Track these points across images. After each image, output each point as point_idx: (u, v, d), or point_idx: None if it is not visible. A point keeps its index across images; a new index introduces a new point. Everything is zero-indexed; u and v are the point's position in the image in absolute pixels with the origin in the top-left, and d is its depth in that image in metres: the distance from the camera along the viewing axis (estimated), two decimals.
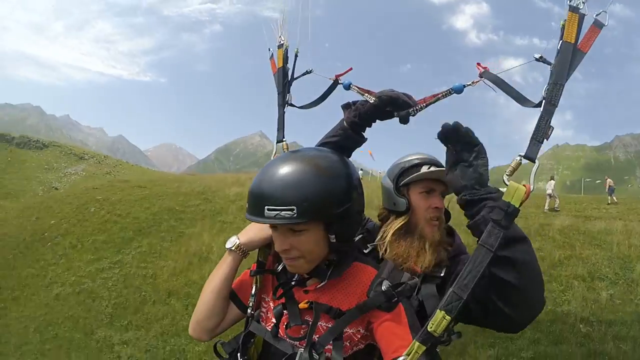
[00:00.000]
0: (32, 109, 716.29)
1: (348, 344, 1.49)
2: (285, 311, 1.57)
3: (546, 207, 18.77)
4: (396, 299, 1.43)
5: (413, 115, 1.58)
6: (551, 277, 9.51)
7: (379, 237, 2.03)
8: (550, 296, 8.57)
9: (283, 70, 2.16)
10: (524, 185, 1.26)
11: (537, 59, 1.43)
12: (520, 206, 1.25)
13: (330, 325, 1.48)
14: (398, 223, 2.00)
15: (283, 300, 1.59)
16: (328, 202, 1.37)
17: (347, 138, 1.77)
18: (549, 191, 19.99)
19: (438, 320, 1.23)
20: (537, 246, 10.75)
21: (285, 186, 1.34)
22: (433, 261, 1.84)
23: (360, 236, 2.05)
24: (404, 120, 1.59)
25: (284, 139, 2.03)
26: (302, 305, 1.52)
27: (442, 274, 1.81)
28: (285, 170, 1.39)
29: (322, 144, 1.79)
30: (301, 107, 2.17)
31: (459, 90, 1.52)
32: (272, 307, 1.64)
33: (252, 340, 1.70)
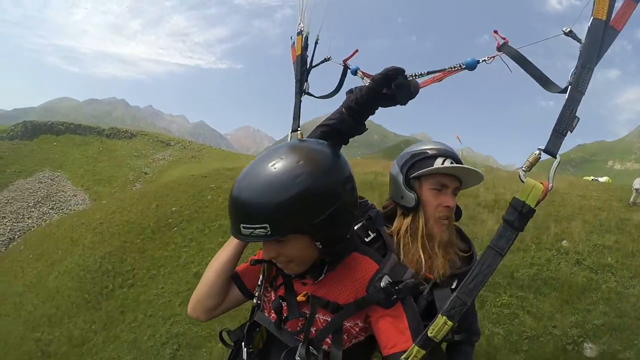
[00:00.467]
0: (117, 102, 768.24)
1: (346, 337, 1.49)
2: (284, 303, 1.57)
3: (630, 201, 18.41)
4: (395, 296, 1.41)
5: (411, 85, 1.40)
6: (623, 265, 9.70)
7: (392, 236, 1.94)
8: (620, 281, 8.96)
9: (302, 58, 2.14)
10: (541, 183, 1.17)
11: (566, 34, 1.29)
12: (536, 206, 1.17)
13: (328, 319, 1.48)
14: (406, 223, 1.91)
15: (282, 291, 1.60)
16: (304, 213, 1.27)
17: (342, 122, 1.59)
18: (637, 186, 19.46)
19: (439, 326, 1.20)
20: (614, 239, 10.93)
21: (257, 201, 1.27)
22: (447, 265, 1.82)
23: (360, 224, 1.95)
24: (402, 97, 1.42)
25: (299, 129, 1.96)
26: (300, 297, 1.51)
27: (453, 286, 1.78)
28: (259, 178, 1.30)
29: (319, 126, 1.66)
30: (319, 97, 2.15)
31: (471, 66, 1.45)
32: (273, 298, 1.64)
33: (257, 329, 1.67)
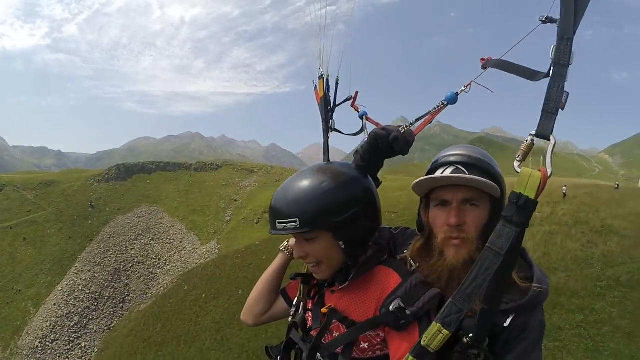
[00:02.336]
0: (192, 136, 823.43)
1: (367, 346, 1.58)
2: (308, 315, 1.82)
3: None
4: (404, 321, 1.42)
5: (406, 137, 1.59)
6: None
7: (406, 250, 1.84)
8: None
9: (325, 99, 2.26)
10: (538, 171, 1.09)
11: (543, 21, 1.25)
12: (537, 197, 1.08)
13: (343, 332, 1.61)
14: (417, 244, 1.78)
15: (312, 304, 1.82)
16: (327, 212, 1.51)
17: None
18: None
19: (432, 334, 1.15)
20: None
21: (290, 201, 1.56)
22: None
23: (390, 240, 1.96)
24: (400, 148, 1.61)
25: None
26: (323, 310, 1.68)
27: (505, 324, 1.42)
28: (292, 185, 1.60)
29: None
30: (347, 134, 2.25)
31: (452, 100, 1.53)
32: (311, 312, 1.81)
33: (296, 346, 1.77)
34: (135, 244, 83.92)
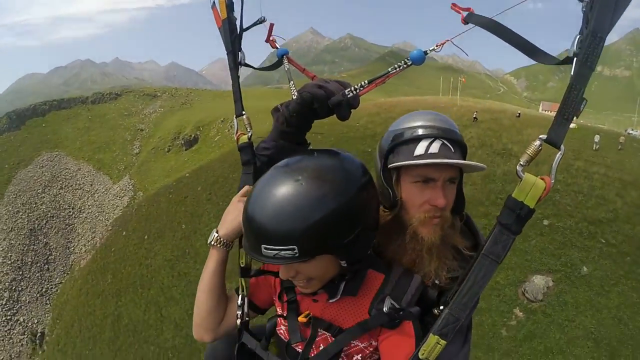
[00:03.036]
0: (82, 64, 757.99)
1: (360, 358, 1.42)
2: (284, 322, 1.55)
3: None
4: (399, 320, 1.32)
5: (351, 102, 1.40)
6: None
7: None
8: None
9: (229, 22, 1.77)
10: (542, 179, 1.04)
11: None
12: (536, 205, 1.05)
13: (329, 342, 1.41)
14: (385, 219, 1.56)
15: (284, 309, 1.56)
16: (333, 233, 1.22)
17: (281, 151, 1.55)
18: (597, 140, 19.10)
19: (431, 346, 1.12)
20: None
21: (282, 220, 1.19)
22: (442, 270, 1.48)
23: None
24: (342, 115, 1.42)
25: (244, 112, 1.77)
26: (301, 318, 1.44)
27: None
28: (281, 196, 1.22)
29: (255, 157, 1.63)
30: (259, 69, 1.93)
31: (417, 59, 1.31)
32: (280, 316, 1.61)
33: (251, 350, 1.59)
34: (44, 197, 76.57)
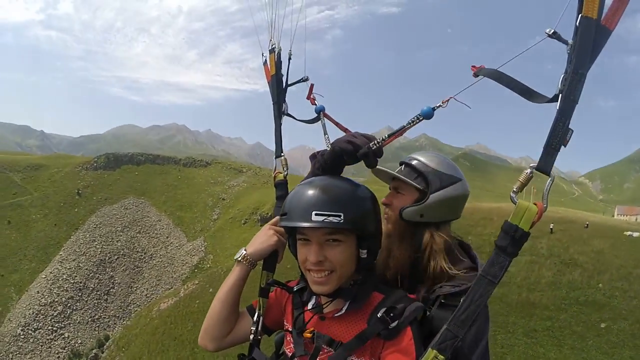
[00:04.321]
0: (178, 128, 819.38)
1: None
2: (289, 338, 1.67)
3: None
4: (392, 323, 1.39)
5: (376, 153, 1.55)
6: None
7: None
8: None
9: (277, 78, 2.08)
10: (534, 204, 1.12)
11: (550, 35, 1.16)
12: (530, 229, 1.12)
13: (330, 355, 1.50)
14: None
15: (290, 325, 1.69)
16: (368, 216, 1.47)
17: None
18: None
19: None
20: None
21: (333, 195, 1.43)
22: (390, 262, 1.78)
23: None
24: (370, 164, 1.58)
25: (282, 154, 2.04)
26: (306, 334, 1.56)
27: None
28: (329, 184, 1.49)
29: None
30: (301, 121, 2.12)
31: (427, 115, 1.43)
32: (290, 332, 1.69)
33: None
34: (121, 235, 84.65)
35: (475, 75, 1.39)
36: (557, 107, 1.11)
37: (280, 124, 2.07)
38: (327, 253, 1.46)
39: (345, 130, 1.97)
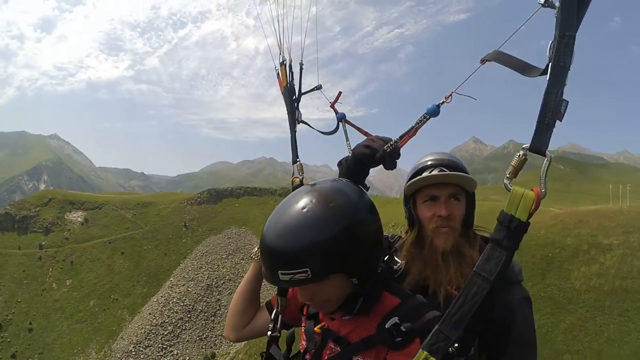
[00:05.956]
0: (267, 161, 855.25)
1: None
2: (303, 330, 1.72)
3: None
4: (400, 339, 1.36)
5: (392, 154, 1.53)
6: None
7: (404, 262, 1.94)
8: None
9: (289, 88, 2.20)
10: (531, 190, 1.04)
11: (542, 5, 1.11)
12: (529, 219, 1.04)
13: (337, 353, 1.54)
14: (410, 238, 1.98)
15: (304, 321, 1.74)
16: (342, 253, 1.32)
17: None
18: None
19: None
20: None
21: (293, 244, 1.30)
22: (460, 276, 1.76)
23: (387, 255, 1.84)
24: (388, 166, 1.57)
25: (298, 160, 2.17)
26: (316, 329, 1.62)
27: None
28: (292, 221, 1.35)
29: None
30: (314, 129, 2.22)
31: (433, 112, 1.42)
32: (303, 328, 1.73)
33: None
34: (226, 262, 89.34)
35: (482, 61, 1.33)
36: (547, 77, 1.03)
37: (295, 131, 2.18)
38: (314, 291, 1.42)
39: (366, 134, 2.03)
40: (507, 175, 1.08)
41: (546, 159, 1.03)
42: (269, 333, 1.87)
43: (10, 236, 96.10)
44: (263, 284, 2.00)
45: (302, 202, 1.38)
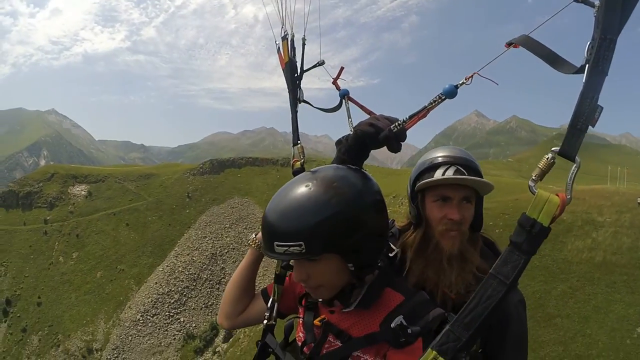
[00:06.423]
0: (267, 131, 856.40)
1: None
2: (300, 321, 1.73)
3: None
4: (404, 339, 1.36)
5: (398, 136, 1.49)
6: None
7: (399, 250, 1.90)
8: None
9: (290, 64, 2.11)
10: (557, 195, 1.00)
11: (576, 0, 1.08)
12: (551, 224, 1.00)
13: (337, 347, 1.53)
14: (415, 237, 1.91)
15: (302, 313, 1.73)
16: (338, 233, 1.33)
17: None
18: None
19: None
20: None
21: (292, 219, 1.34)
22: (461, 281, 1.74)
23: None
24: (392, 148, 1.53)
25: (299, 142, 2.08)
26: (316, 322, 1.61)
27: None
28: (293, 200, 1.39)
29: None
30: (317, 108, 2.14)
31: (450, 93, 1.35)
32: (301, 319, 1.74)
33: (271, 349, 1.79)
34: (229, 231, 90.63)
35: (507, 45, 1.28)
36: (584, 79, 0.98)
37: (296, 111, 2.10)
38: (308, 271, 1.44)
39: (370, 113, 1.91)
40: (533, 178, 1.04)
41: (575, 165, 1.00)
42: (265, 321, 1.87)
43: (14, 213, 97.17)
44: (258, 275, 2.04)
45: (305, 182, 1.42)
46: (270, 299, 1.88)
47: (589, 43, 1.00)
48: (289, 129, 2.20)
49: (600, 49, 0.97)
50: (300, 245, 1.31)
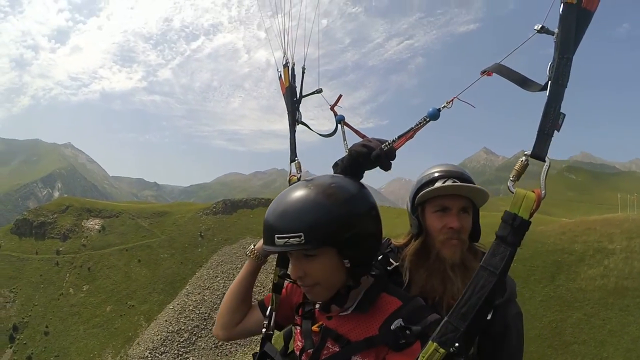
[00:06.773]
0: (278, 172, 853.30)
1: None
2: (298, 330, 1.76)
3: None
4: (404, 341, 1.39)
5: (388, 154, 1.58)
6: None
7: (400, 262, 2.00)
8: None
9: (291, 89, 2.26)
10: (532, 192, 1.11)
11: (538, 31, 1.22)
12: (530, 217, 1.11)
13: (336, 351, 1.56)
14: (414, 247, 1.98)
15: (300, 321, 1.75)
16: (335, 226, 1.41)
17: None
18: None
19: (429, 353, 1.14)
20: None
21: (292, 214, 1.43)
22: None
23: (382, 255, 1.99)
24: (384, 166, 1.62)
25: (296, 159, 2.19)
26: (314, 328, 1.65)
27: (487, 317, 1.65)
28: (292, 199, 1.48)
29: None
30: (318, 133, 2.28)
31: (434, 116, 1.45)
32: (299, 327, 1.76)
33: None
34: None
35: (482, 73, 1.39)
36: (547, 93, 1.14)
37: (294, 131, 2.24)
38: (305, 268, 1.49)
39: (363, 136, 2.08)
40: (511, 178, 1.16)
41: (546, 164, 1.13)
42: (264, 330, 1.90)
43: (27, 241, 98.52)
44: (255, 285, 2.07)
45: (305, 185, 1.52)
46: (269, 308, 1.91)
47: (550, 63, 1.16)
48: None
49: (559, 66, 1.13)
50: (299, 236, 1.37)
